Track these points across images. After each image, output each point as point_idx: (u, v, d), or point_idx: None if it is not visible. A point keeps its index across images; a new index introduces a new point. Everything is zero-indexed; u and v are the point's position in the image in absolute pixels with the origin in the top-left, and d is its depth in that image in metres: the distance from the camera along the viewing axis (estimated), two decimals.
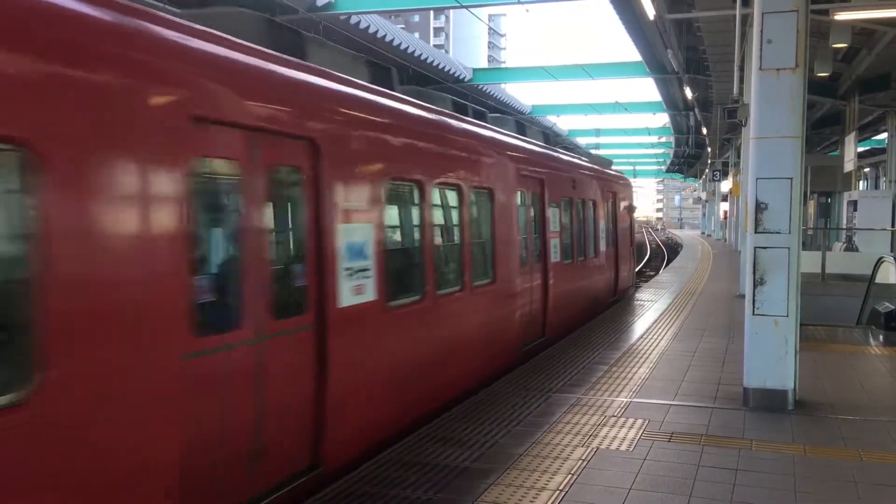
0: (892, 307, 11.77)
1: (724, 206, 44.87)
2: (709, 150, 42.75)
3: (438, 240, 7.41)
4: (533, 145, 11.02)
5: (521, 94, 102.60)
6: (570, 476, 5.12)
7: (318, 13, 18.81)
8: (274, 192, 4.87)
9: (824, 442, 5.98)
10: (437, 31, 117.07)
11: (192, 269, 4.07)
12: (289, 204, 5.18)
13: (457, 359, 7.48)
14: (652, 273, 28.97)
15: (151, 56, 3.90)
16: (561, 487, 4.92)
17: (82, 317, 3.41)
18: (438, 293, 7.11)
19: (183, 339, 3.97)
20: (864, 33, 17.27)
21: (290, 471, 4.92)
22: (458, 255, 7.77)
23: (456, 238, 7.77)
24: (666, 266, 30.76)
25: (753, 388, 7.01)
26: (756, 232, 6.94)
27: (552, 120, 45.26)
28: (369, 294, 5.74)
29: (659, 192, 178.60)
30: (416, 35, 37.74)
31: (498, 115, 11.36)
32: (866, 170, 38.76)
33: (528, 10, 20.87)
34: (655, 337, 10.77)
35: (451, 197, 7.69)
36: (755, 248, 6.95)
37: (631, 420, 6.47)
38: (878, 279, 13.69)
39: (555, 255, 10.95)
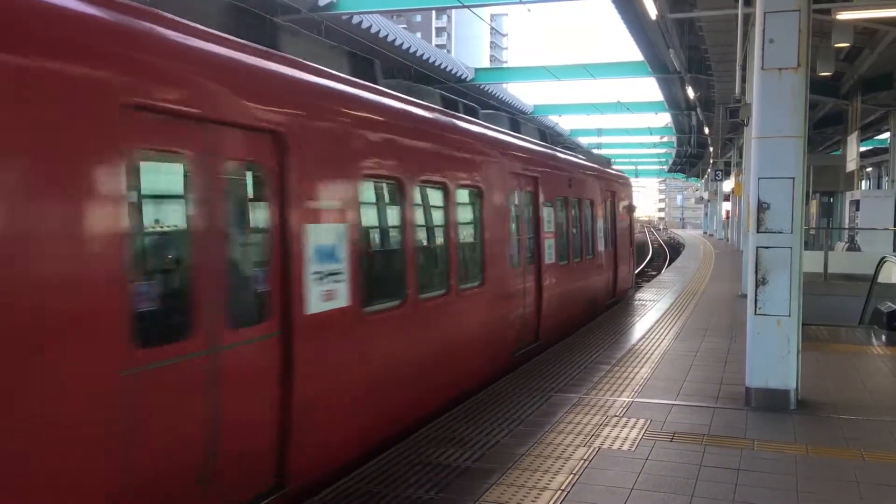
0: (895, 307, 11.75)
1: (727, 205, 44.81)
2: (711, 149, 42.71)
3: (421, 241, 6.99)
4: (527, 143, 10.68)
5: (524, 93, 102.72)
6: (571, 476, 5.12)
7: (319, 13, 18.84)
8: (231, 188, 4.44)
9: (826, 442, 5.98)
10: (440, 30, 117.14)
11: (129, 274, 3.64)
12: (249, 202, 4.75)
13: (441, 366, 7.09)
14: (654, 273, 28.93)
15: (69, 33, 3.43)
16: (563, 487, 4.91)
17: None
18: (421, 297, 6.71)
19: (119, 353, 3.56)
20: (866, 33, 17.27)
21: (252, 493, 4.56)
22: (444, 258, 7.36)
23: (441, 239, 7.35)
24: (668, 266, 30.75)
25: (755, 387, 7.00)
26: (758, 232, 6.93)
27: (554, 120, 45.33)
28: (341, 300, 5.35)
29: (661, 191, 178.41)
30: (419, 35, 37.74)
31: (491, 111, 11.04)
32: (869, 169, 38.64)
33: (529, 10, 20.88)
34: (657, 337, 10.75)
35: (436, 196, 7.27)
36: (757, 247, 6.94)
37: (633, 420, 6.46)
38: (881, 279, 13.69)
39: (549, 256, 10.57)
